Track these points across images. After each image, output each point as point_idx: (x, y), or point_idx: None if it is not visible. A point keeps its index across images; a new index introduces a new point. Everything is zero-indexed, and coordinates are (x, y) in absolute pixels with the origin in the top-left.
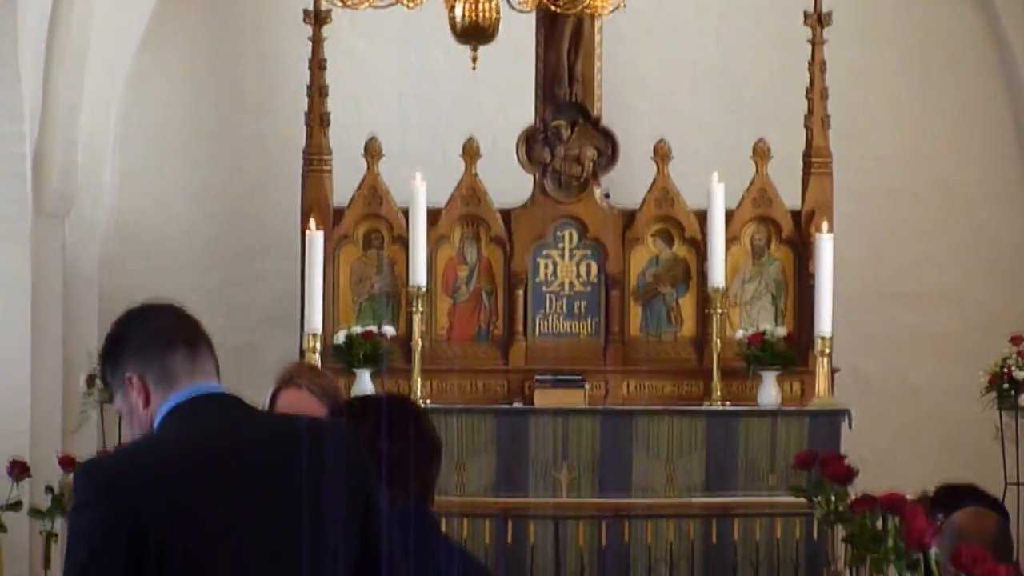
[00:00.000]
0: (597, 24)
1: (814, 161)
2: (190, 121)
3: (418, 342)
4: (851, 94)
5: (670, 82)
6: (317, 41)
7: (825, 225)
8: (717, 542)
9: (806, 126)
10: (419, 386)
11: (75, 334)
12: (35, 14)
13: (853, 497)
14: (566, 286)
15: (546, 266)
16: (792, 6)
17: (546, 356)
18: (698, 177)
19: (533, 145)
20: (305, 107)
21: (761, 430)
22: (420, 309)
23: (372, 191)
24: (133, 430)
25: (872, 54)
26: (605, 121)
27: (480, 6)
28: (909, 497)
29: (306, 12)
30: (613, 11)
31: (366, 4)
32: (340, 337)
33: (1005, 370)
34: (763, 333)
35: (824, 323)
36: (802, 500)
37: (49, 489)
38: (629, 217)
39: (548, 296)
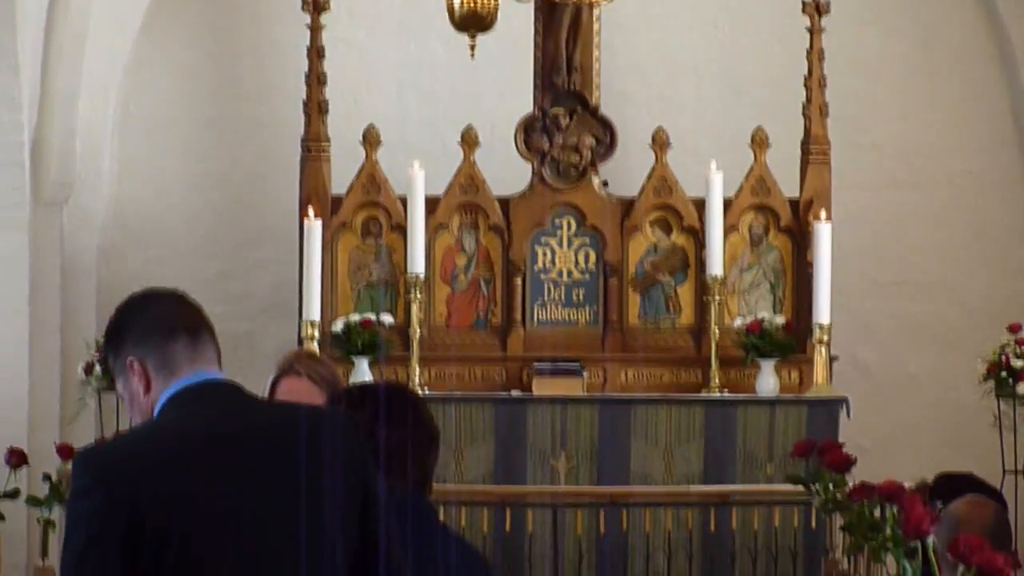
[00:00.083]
0: (595, 13)
1: (812, 150)
2: (189, 110)
3: (416, 330)
4: (849, 83)
5: (668, 71)
6: (316, 29)
7: (823, 213)
8: (715, 530)
9: (804, 115)
10: (417, 374)
11: (73, 323)
12: (34, 3)
13: (851, 485)
14: (564, 274)
15: (544, 254)
16: None
17: (544, 344)
18: (696, 165)
19: (531, 133)
20: (304, 95)
21: (759, 419)
22: (418, 297)
23: (370, 179)
24: (134, 416)
25: (871, 43)
26: (603, 110)
27: None
28: (907, 486)
29: (304, 0)
30: (611, 0)
31: None
32: (338, 325)
33: (1003, 358)
34: (761, 321)
35: (822, 312)
36: (800, 488)
37: (47, 478)
38: (627, 205)
39: (546, 284)
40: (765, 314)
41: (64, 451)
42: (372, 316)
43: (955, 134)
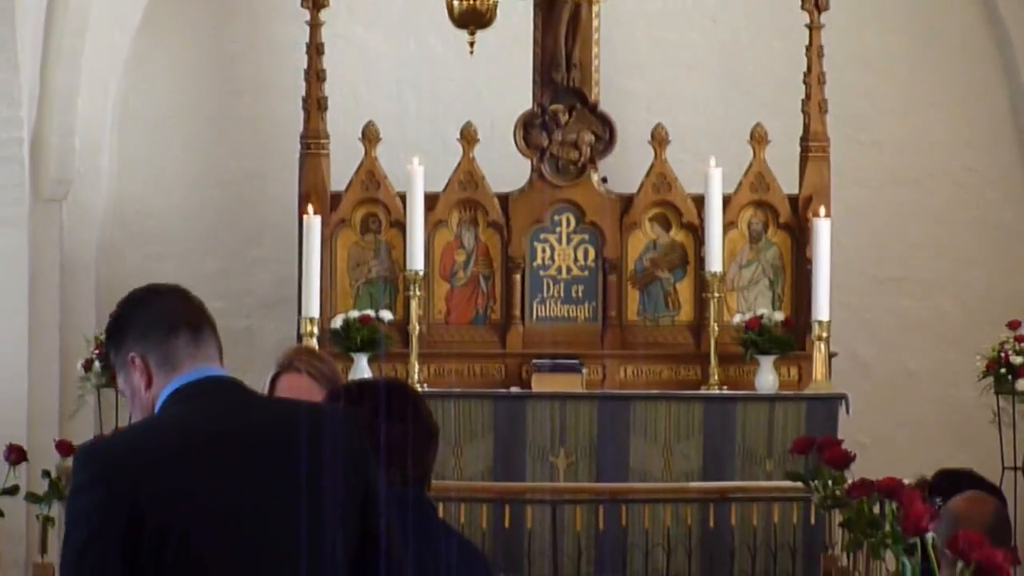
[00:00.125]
0: (595, 9)
1: (811, 146)
2: (188, 106)
3: (415, 326)
4: (849, 79)
5: (668, 67)
6: (315, 26)
7: (822, 210)
8: (714, 527)
9: (804, 111)
10: (417, 371)
11: (72, 319)
12: None
13: (850, 482)
14: (563, 271)
15: (543, 251)
16: None
17: (543, 340)
18: (696, 162)
19: (531, 130)
20: (303, 92)
21: (759, 415)
22: (417, 293)
23: (370, 176)
24: (134, 411)
25: (870, 40)
26: (603, 106)
27: None
28: (906, 482)
29: None
30: None
31: None
32: (337, 322)
33: (1002, 355)
34: (760, 318)
35: (821, 308)
36: (799, 485)
37: (46, 474)
38: (626, 202)
39: (545, 280)
40: (764, 310)
41: (63, 447)
42: (371, 312)
43: (955, 131)
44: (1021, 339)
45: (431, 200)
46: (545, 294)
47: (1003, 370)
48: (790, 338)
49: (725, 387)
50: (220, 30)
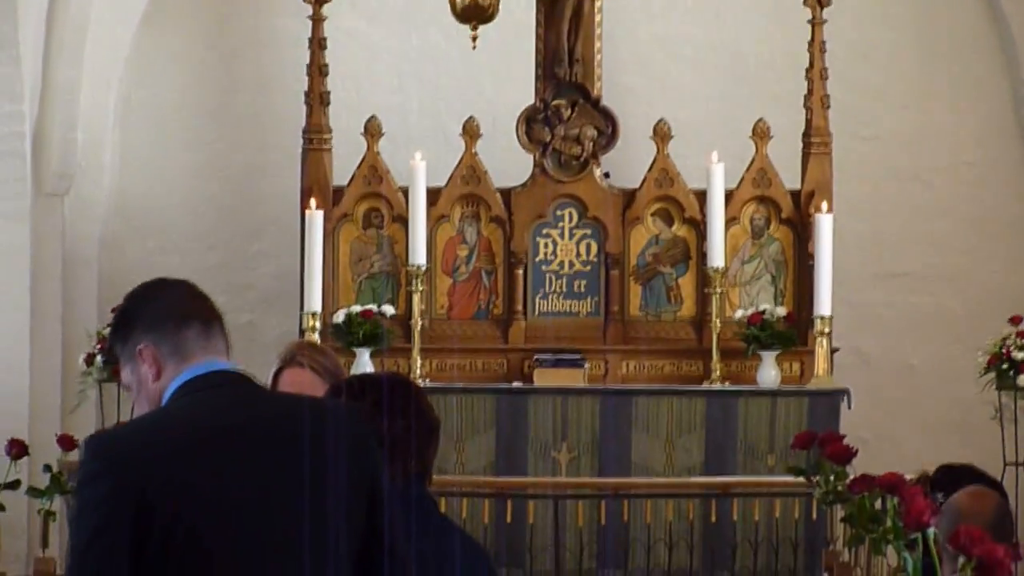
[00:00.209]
0: (597, 4)
1: (814, 141)
2: (190, 101)
3: (418, 321)
4: (851, 74)
5: (670, 62)
6: (317, 20)
7: (825, 205)
8: (716, 521)
9: (806, 106)
10: (419, 365)
11: (74, 314)
12: None
13: (852, 477)
14: (566, 265)
15: (546, 245)
16: None
17: (546, 335)
18: (698, 157)
19: (533, 125)
20: (305, 86)
21: (760, 410)
22: (420, 288)
23: (372, 170)
24: (140, 404)
25: (872, 34)
26: (605, 101)
27: None
28: (908, 477)
29: None
30: None
31: None
32: (340, 316)
33: (1004, 350)
34: (763, 313)
35: (823, 303)
36: (801, 480)
37: (48, 468)
38: (629, 197)
39: (548, 275)
40: (766, 306)
41: (65, 442)
42: (373, 307)
43: (956, 125)
44: (1023, 335)
45: (433, 195)
46: (547, 289)
47: (1005, 366)
48: (792, 333)
49: (727, 382)
50: (222, 25)
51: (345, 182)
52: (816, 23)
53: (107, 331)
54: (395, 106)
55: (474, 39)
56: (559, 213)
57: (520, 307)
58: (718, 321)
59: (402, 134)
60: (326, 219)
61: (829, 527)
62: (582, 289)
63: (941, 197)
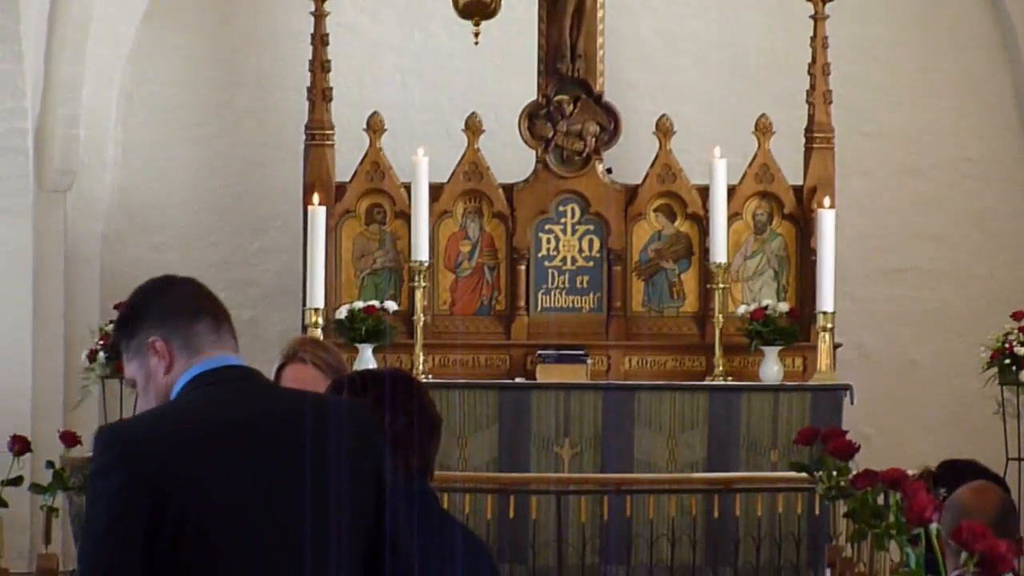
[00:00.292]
0: (599, 0)
1: (816, 137)
2: (192, 97)
3: (420, 317)
4: (853, 70)
5: (672, 58)
6: (319, 16)
7: (827, 201)
8: (719, 517)
9: (808, 102)
10: (421, 361)
11: (76, 310)
12: None
13: (854, 472)
14: (568, 261)
15: (548, 241)
16: None
17: (548, 331)
18: (700, 153)
19: (535, 121)
20: (307, 82)
21: (763, 406)
22: (422, 284)
23: (374, 166)
24: (148, 398)
25: (874, 30)
26: (607, 97)
27: None
28: (911, 473)
29: None
30: None
31: None
32: (342, 312)
33: (1006, 346)
34: (765, 308)
35: (826, 299)
36: (804, 475)
37: (50, 464)
38: (631, 192)
39: (550, 271)
40: (769, 301)
41: (67, 438)
42: (376, 303)
43: (959, 121)
44: None
45: (436, 190)
46: (550, 284)
47: (1007, 360)
48: (795, 329)
49: (730, 378)
50: (224, 21)
51: (348, 178)
52: (818, 18)
53: (110, 327)
54: (397, 102)
55: (476, 35)
56: (561, 209)
57: (522, 303)
58: (721, 317)
59: (404, 130)
60: (329, 215)
61: (832, 523)
62: (584, 285)
63: (943, 193)
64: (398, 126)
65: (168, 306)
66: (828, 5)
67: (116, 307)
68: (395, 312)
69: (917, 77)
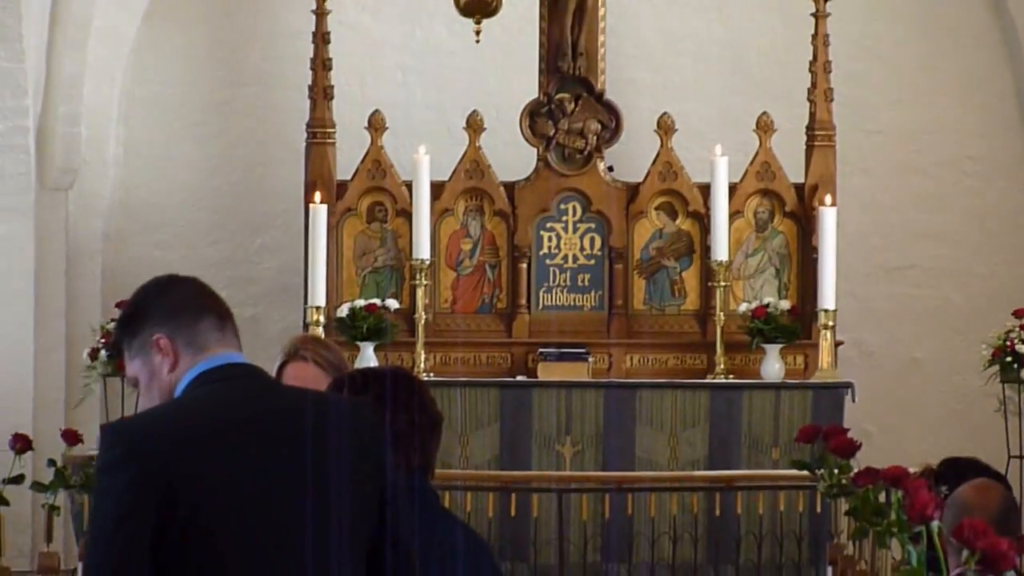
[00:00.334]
0: None
1: (817, 134)
2: (194, 94)
3: (422, 315)
4: (854, 68)
5: (674, 56)
6: (321, 14)
7: (828, 198)
8: (720, 515)
9: (809, 99)
10: (423, 359)
11: (78, 308)
12: None
13: (856, 470)
14: (570, 259)
15: (550, 239)
16: None
17: (550, 329)
18: (701, 151)
19: (537, 119)
20: (309, 80)
21: (764, 403)
22: (424, 282)
23: (376, 164)
24: (151, 396)
25: (876, 28)
26: (609, 95)
27: None
28: (912, 471)
29: None
30: None
31: None
32: (344, 310)
33: (1008, 343)
34: (767, 306)
35: (827, 296)
36: (805, 473)
37: (52, 463)
38: (632, 190)
39: (552, 269)
40: (770, 299)
41: (69, 436)
42: (377, 301)
43: (960, 119)
44: None
45: (437, 189)
46: (551, 283)
47: (1009, 358)
48: (796, 326)
49: (731, 375)
50: (225, 19)
51: (349, 176)
52: (819, 16)
53: (111, 325)
54: (399, 100)
55: (477, 33)
56: (563, 207)
57: (524, 301)
58: (722, 315)
59: (406, 128)
60: (330, 213)
61: (833, 520)
62: (586, 283)
63: (944, 191)
64: (399, 124)
65: (172, 304)
66: (829, 3)
67: (118, 305)
68: (396, 310)
69: (918, 75)
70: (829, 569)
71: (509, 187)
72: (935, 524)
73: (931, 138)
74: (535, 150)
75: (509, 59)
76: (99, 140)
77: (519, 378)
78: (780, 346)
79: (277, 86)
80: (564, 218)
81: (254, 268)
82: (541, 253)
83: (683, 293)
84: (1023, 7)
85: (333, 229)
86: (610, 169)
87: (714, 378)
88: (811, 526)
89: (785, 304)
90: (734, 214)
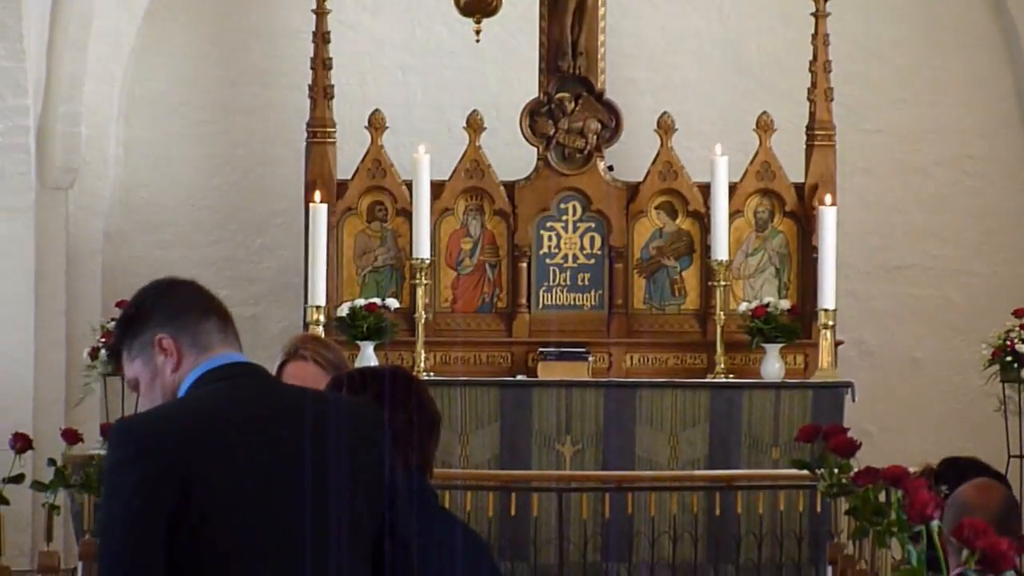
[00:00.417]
0: None
1: (817, 134)
2: (194, 94)
3: (422, 314)
4: (854, 67)
5: (674, 55)
6: (321, 13)
7: (828, 198)
8: (720, 514)
9: (809, 99)
10: (423, 358)
11: (78, 307)
12: None
13: (856, 470)
14: (570, 258)
15: (550, 238)
16: None
17: (550, 328)
18: (701, 150)
19: (537, 118)
20: (309, 80)
21: (764, 403)
22: (424, 281)
23: (376, 164)
24: (153, 396)
25: (876, 28)
26: (609, 94)
27: None
28: (912, 470)
29: None
30: None
31: None
32: (344, 310)
33: (1008, 343)
34: (767, 306)
35: (827, 296)
36: (805, 473)
37: (52, 462)
38: (633, 190)
39: (552, 268)
40: (770, 298)
41: (69, 436)
42: (377, 300)
43: (960, 118)
44: None
45: (437, 188)
46: (551, 282)
47: (1009, 358)
48: (796, 326)
49: (731, 375)
50: (226, 18)
51: (349, 175)
52: (820, 15)
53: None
54: (399, 100)
55: (477, 32)
56: (563, 206)
57: (524, 300)
58: (722, 314)
59: (406, 127)
60: (330, 212)
61: (833, 520)
62: (586, 282)
63: (945, 190)
64: (399, 123)
65: (174, 305)
66: (829, 3)
67: (118, 305)
68: (396, 309)
69: (919, 75)
70: (829, 569)
71: (509, 186)
72: (935, 524)
73: (931, 138)
74: (535, 149)
75: (509, 59)
76: (99, 140)
77: (519, 377)
78: (780, 346)
79: (277, 85)
80: (564, 217)
81: (254, 267)
82: (541, 252)
83: (683, 292)
84: (1023, 7)
85: (333, 228)
86: (610, 168)
87: (714, 378)
88: (811, 526)
89: (785, 303)
90: (734, 213)
